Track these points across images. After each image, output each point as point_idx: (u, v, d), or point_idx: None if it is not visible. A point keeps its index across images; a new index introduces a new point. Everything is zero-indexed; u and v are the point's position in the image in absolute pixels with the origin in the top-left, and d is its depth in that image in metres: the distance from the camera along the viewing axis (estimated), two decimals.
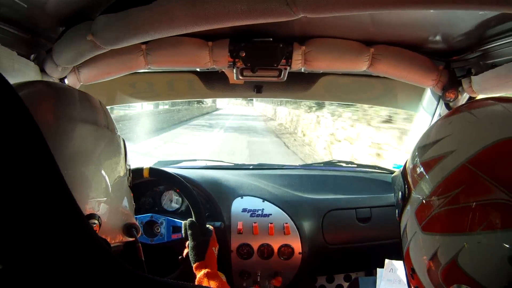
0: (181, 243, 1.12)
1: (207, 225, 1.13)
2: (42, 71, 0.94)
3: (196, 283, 0.98)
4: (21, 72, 0.83)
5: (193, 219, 1.10)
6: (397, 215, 0.61)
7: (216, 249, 1.08)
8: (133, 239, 0.75)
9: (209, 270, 0.97)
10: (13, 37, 0.81)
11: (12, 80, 0.34)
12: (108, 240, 0.65)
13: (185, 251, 1.08)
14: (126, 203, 0.73)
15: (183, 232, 1.10)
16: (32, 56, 0.90)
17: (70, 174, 0.57)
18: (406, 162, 0.60)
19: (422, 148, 0.54)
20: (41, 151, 0.35)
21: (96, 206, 0.62)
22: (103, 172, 0.63)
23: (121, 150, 0.71)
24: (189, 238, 1.06)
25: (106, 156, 0.65)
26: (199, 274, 0.97)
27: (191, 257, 1.03)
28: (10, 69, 0.78)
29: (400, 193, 0.59)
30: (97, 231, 0.60)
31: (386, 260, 1.03)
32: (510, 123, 0.46)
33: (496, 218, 0.41)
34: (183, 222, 1.11)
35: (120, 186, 0.69)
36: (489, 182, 0.42)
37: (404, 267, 0.58)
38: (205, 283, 0.95)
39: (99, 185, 0.62)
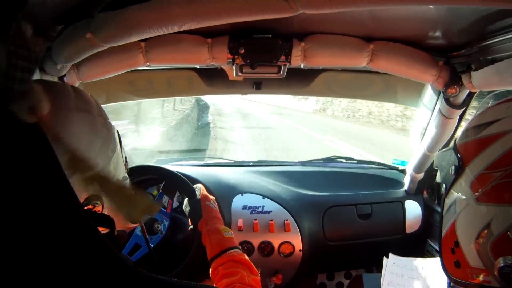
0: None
1: (195, 186, 1.14)
2: (41, 69, 0.94)
3: (202, 241, 0.99)
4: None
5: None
6: (444, 190, 0.63)
7: (212, 200, 1.10)
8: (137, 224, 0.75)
9: (210, 226, 0.98)
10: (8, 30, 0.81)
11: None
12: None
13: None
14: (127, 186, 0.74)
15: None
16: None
17: (70, 159, 0.57)
18: (455, 140, 0.63)
19: (477, 127, 0.56)
20: (40, 143, 0.35)
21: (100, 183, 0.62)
22: (102, 155, 0.64)
23: (116, 137, 0.72)
24: (183, 208, 1.09)
25: (103, 141, 0.66)
26: (203, 232, 0.99)
27: (193, 223, 1.04)
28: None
29: (453, 167, 0.60)
30: (100, 211, 0.62)
31: (390, 255, 1.03)
32: None
33: None
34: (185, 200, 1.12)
35: (120, 170, 0.71)
36: None
37: (439, 248, 0.61)
38: (207, 242, 0.95)
39: (100, 166, 0.63)
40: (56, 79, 0.99)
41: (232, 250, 0.90)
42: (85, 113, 0.64)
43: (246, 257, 0.90)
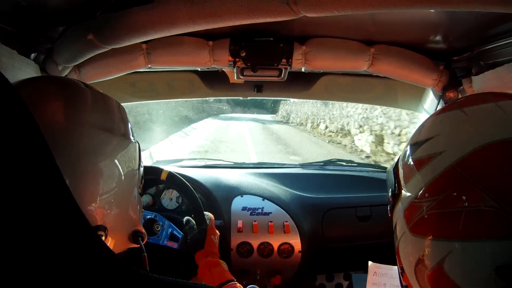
0: (173, 252, 1.11)
1: (205, 213, 1.11)
2: (42, 70, 0.94)
3: (198, 273, 0.98)
4: (21, 71, 0.83)
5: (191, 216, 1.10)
6: (389, 211, 0.59)
7: (216, 237, 1.08)
8: (138, 245, 0.72)
9: (210, 259, 0.98)
10: (14, 36, 0.81)
11: (12, 79, 0.34)
12: (112, 247, 0.63)
13: (180, 241, 1.09)
14: (135, 211, 0.70)
15: (178, 244, 1.10)
16: (32, 55, 0.90)
17: (78, 183, 0.55)
18: (398, 158, 0.57)
19: (414, 145, 0.52)
20: (44, 160, 0.34)
21: (105, 215, 0.59)
22: (115, 182, 0.61)
23: (136, 158, 0.68)
24: (186, 229, 1.06)
25: (119, 166, 0.62)
26: (201, 263, 0.98)
27: (192, 248, 1.03)
28: (10, 68, 0.78)
29: (390, 190, 0.57)
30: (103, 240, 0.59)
31: (370, 263, 1.02)
32: (502, 124, 0.43)
33: (484, 226, 0.39)
34: (184, 219, 1.11)
35: (130, 195, 0.67)
36: (478, 188, 0.40)
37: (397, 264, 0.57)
38: (207, 273, 0.95)
39: (109, 196, 0.60)
40: None
41: (232, 282, 0.92)
42: (104, 131, 0.60)
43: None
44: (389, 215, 0.58)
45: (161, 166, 1.17)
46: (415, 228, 0.47)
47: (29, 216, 0.32)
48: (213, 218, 1.12)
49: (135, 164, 0.68)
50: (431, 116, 0.54)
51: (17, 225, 0.31)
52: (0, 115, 0.31)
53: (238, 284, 0.92)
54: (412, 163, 0.50)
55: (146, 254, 0.75)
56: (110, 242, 0.62)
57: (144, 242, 0.73)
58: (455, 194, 0.42)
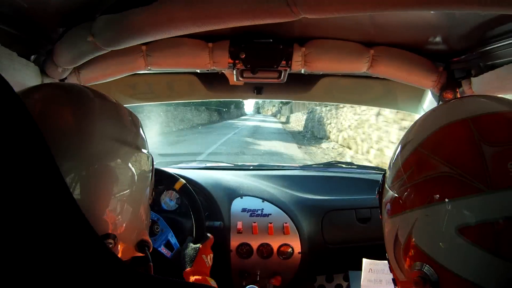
0: (164, 260, 1.10)
1: (208, 234, 1.11)
2: (42, 72, 0.94)
3: None
4: (21, 73, 0.83)
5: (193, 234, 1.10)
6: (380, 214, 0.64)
7: (209, 257, 1.07)
8: (143, 255, 0.71)
9: (197, 277, 0.96)
10: (13, 38, 0.81)
11: (11, 81, 0.34)
12: (119, 255, 0.63)
13: (173, 252, 1.09)
14: (143, 221, 0.70)
15: (172, 254, 1.10)
16: (32, 57, 0.91)
17: (89, 191, 0.55)
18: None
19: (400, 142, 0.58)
20: (47, 168, 0.34)
21: (114, 226, 0.59)
22: (125, 195, 0.60)
23: (148, 171, 0.68)
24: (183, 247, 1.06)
25: (131, 179, 0.61)
26: (187, 281, 0.96)
27: (181, 264, 1.02)
28: (10, 70, 0.78)
29: (378, 188, 0.63)
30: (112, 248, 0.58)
31: (364, 260, 1.02)
32: (455, 110, 0.51)
33: (441, 190, 0.44)
34: (178, 247, 1.10)
35: (140, 207, 0.66)
36: (434, 159, 0.46)
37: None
38: None
39: (119, 208, 0.60)
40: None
41: None
42: (117, 143, 0.60)
43: None
44: (380, 217, 0.62)
45: (175, 172, 1.18)
46: (391, 211, 0.53)
47: (35, 226, 0.31)
48: (212, 238, 1.11)
49: (147, 176, 0.67)
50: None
51: (23, 236, 0.31)
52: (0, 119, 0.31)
53: None
54: (392, 161, 0.57)
55: (151, 264, 0.74)
56: (118, 250, 0.62)
57: (150, 251, 0.72)
58: (418, 168, 0.48)
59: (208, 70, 1.14)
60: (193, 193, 1.13)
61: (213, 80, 1.38)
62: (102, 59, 0.99)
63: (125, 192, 0.60)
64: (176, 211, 1.33)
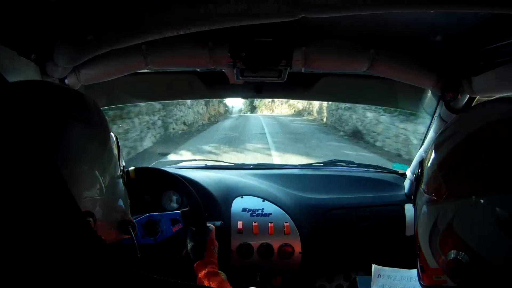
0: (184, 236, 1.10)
1: (208, 224, 1.11)
2: (43, 71, 0.94)
3: (197, 283, 0.97)
4: (22, 72, 0.84)
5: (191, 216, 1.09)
6: (412, 201, 0.66)
7: (216, 248, 1.07)
8: (129, 236, 0.75)
9: (210, 269, 0.97)
10: (14, 37, 0.81)
11: (12, 80, 0.34)
12: (103, 237, 0.66)
13: (185, 250, 1.08)
14: (121, 200, 0.74)
15: (182, 222, 1.10)
16: (32, 56, 0.90)
17: (65, 173, 0.57)
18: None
19: (439, 135, 0.60)
20: (39, 148, 0.35)
21: (91, 204, 0.63)
22: (97, 170, 0.64)
23: (115, 148, 0.72)
24: (187, 239, 1.06)
25: (100, 154, 0.66)
26: (200, 273, 0.97)
27: (191, 256, 1.02)
28: (10, 69, 0.78)
29: (414, 177, 0.65)
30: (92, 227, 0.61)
31: (374, 266, 1.02)
32: (503, 108, 0.53)
33: (487, 183, 0.46)
34: (179, 212, 1.10)
35: (114, 184, 0.71)
36: (481, 152, 0.48)
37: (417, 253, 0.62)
38: (205, 283, 0.94)
39: (94, 183, 0.64)
40: (57, 81, 1.00)
41: None
42: (84, 123, 0.64)
43: None
44: (413, 206, 0.65)
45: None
46: (432, 198, 0.54)
47: (20, 201, 0.32)
48: (215, 228, 1.11)
49: (115, 154, 0.72)
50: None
51: (7, 209, 0.31)
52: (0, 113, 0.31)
53: None
54: (433, 147, 0.59)
55: (136, 242, 0.78)
56: (98, 230, 0.64)
57: (135, 232, 0.76)
58: (464, 160, 0.50)
59: (208, 69, 1.14)
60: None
61: (213, 79, 1.38)
62: (102, 58, 0.99)
63: (98, 168, 0.65)
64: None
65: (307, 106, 19.91)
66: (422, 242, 0.57)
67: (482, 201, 0.46)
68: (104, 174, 0.66)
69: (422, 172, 0.61)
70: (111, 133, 0.72)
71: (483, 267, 0.45)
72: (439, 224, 0.51)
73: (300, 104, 21.67)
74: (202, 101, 13.09)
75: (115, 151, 0.73)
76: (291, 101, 21.21)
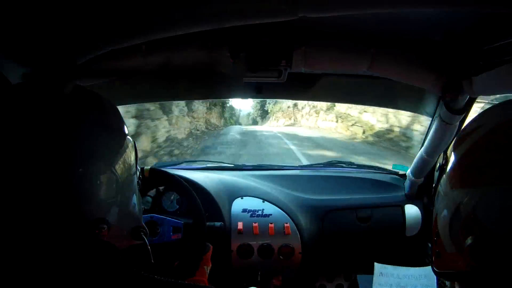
0: (181, 244, 1.11)
1: (208, 244, 1.11)
2: (42, 71, 0.94)
3: None
4: (21, 72, 0.83)
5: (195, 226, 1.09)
6: (433, 190, 0.69)
7: (209, 268, 1.07)
8: (141, 241, 0.73)
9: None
10: (14, 37, 0.81)
11: (12, 80, 0.35)
12: (116, 244, 0.64)
13: (177, 262, 1.08)
14: (136, 206, 0.72)
15: (182, 233, 1.09)
16: (32, 57, 0.90)
17: (81, 177, 0.57)
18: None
19: (464, 128, 0.61)
20: (50, 155, 0.35)
21: (106, 210, 0.61)
22: (114, 175, 0.63)
23: (132, 153, 0.71)
24: (183, 252, 1.06)
25: (117, 159, 0.65)
26: None
27: (182, 271, 1.02)
28: (10, 69, 0.78)
29: (438, 165, 0.66)
30: (105, 236, 0.60)
31: (376, 264, 1.02)
32: None
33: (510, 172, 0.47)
34: (183, 222, 1.10)
35: (130, 190, 0.69)
36: (506, 142, 0.49)
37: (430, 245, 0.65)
38: None
39: (109, 189, 0.62)
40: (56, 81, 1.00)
41: None
42: (103, 127, 0.64)
43: None
44: (432, 195, 0.67)
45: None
46: (455, 183, 0.56)
47: (28, 208, 0.32)
48: (212, 248, 1.11)
49: (132, 159, 0.71)
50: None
51: (16, 217, 0.31)
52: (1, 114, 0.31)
53: None
54: (457, 140, 0.60)
55: (149, 247, 0.77)
56: (112, 237, 0.63)
57: (147, 237, 0.74)
58: (490, 150, 0.52)
59: (208, 70, 1.14)
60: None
61: (213, 80, 1.38)
62: (102, 58, 0.99)
63: (115, 174, 0.63)
64: (177, 212, 1.33)
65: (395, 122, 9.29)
66: (441, 229, 0.58)
67: (505, 189, 0.47)
68: (121, 180, 0.65)
69: (447, 161, 0.62)
70: (128, 137, 0.71)
71: (503, 251, 0.47)
72: (462, 211, 0.52)
73: (372, 115, 10.41)
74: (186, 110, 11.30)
75: (133, 156, 0.71)
76: (343, 110, 13.22)
